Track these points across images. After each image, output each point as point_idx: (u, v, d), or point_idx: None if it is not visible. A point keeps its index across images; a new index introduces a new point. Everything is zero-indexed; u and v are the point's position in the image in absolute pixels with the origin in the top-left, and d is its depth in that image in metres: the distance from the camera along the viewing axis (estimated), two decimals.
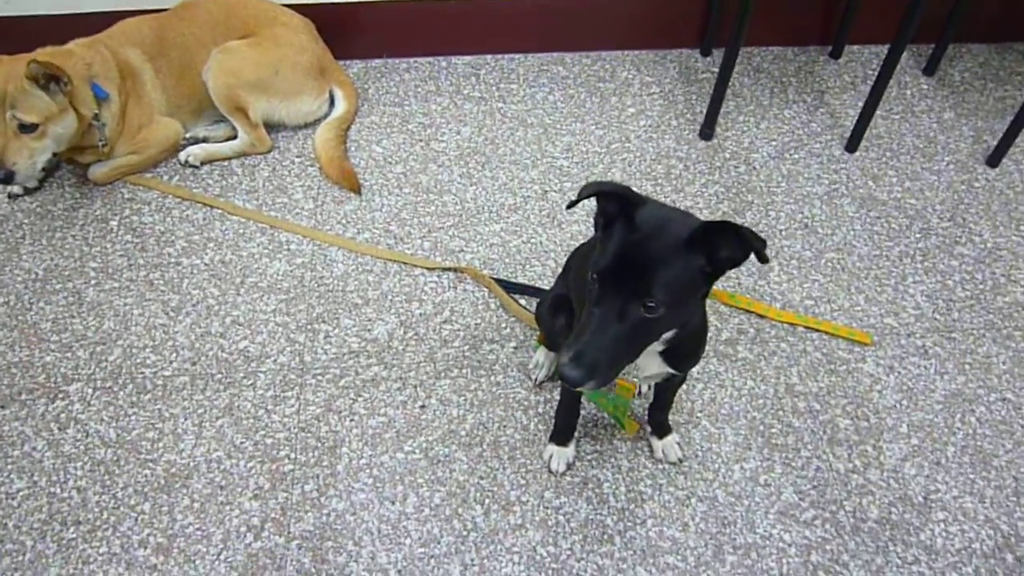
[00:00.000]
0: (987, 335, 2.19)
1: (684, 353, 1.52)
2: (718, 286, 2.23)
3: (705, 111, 2.62)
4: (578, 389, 1.28)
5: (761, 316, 2.19)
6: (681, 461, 1.91)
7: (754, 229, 1.22)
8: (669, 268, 1.21)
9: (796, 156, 2.62)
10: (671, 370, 1.53)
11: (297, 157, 2.57)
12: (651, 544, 1.79)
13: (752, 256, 1.22)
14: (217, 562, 1.74)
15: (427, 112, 2.72)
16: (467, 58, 2.94)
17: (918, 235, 2.42)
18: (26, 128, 2.20)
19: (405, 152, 2.59)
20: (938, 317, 2.23)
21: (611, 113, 2.74)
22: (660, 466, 1.91)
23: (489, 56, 2.95)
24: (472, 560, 1.75)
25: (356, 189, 2.46)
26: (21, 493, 1.84)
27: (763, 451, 1.94)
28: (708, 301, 2.20)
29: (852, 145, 2.63)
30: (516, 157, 2.59)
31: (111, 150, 2.40)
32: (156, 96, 2.45)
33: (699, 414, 2.00)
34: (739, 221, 2.39)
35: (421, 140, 2.63)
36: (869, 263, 2.34)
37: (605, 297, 1.23)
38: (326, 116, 2.63)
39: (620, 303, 1.22)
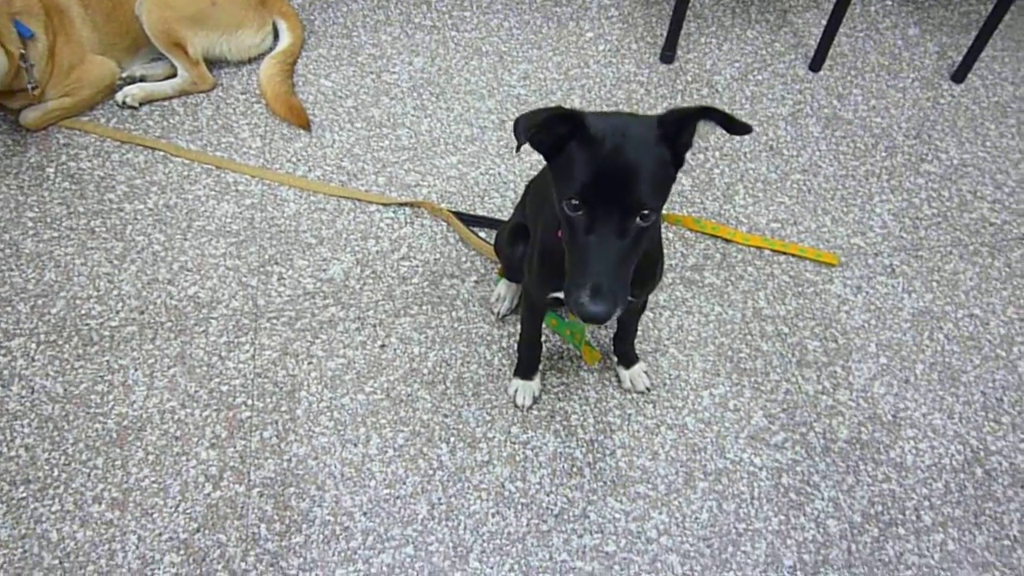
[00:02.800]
0: (954, 252, 2.17)
1: (642, 277, 1.46)
2: (684, 212, 2.18)
3: (666, 33, 2.53)
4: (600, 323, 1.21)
5: (728, 240, 2.14)
6: (649, 390, 1.87)
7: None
8: (650, 170, 1.15)
9: (759, 77, 2.55)
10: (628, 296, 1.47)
11: (242, 94, 2.45)
12: (621, 474, 1.76)
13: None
14: (176, 514, 1.69)
15: (377, 43, 2.61)
16: None
17: (884, 153, 2.38)
18: None
19: (355, 85, 2.48)
20: (905, 235, 2.19)
21: (568, 38, 2.64)
22: (628, 396, 1.87)
23: None
24: (439, 499, 1.71)
25: (305, 125, 2.36)
26: None
27: (732, 376, 1.91)
28: (674, 227, 2.15)
29: (816, 64, 2.57)
30: (472, 87, 2.49)
31: (42, 93, 2.26)
32: (87, 33, 2.30)
33: (666, 342, 1.96)
34: (703, 145, 2.33)
35: (372, 72, 2.52)
36: (835, 183, 2.29)
37: (598, 219, 1.16)
38: (270, 50, 2.50)
39: (616, 220, 1.15)
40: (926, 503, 1.75)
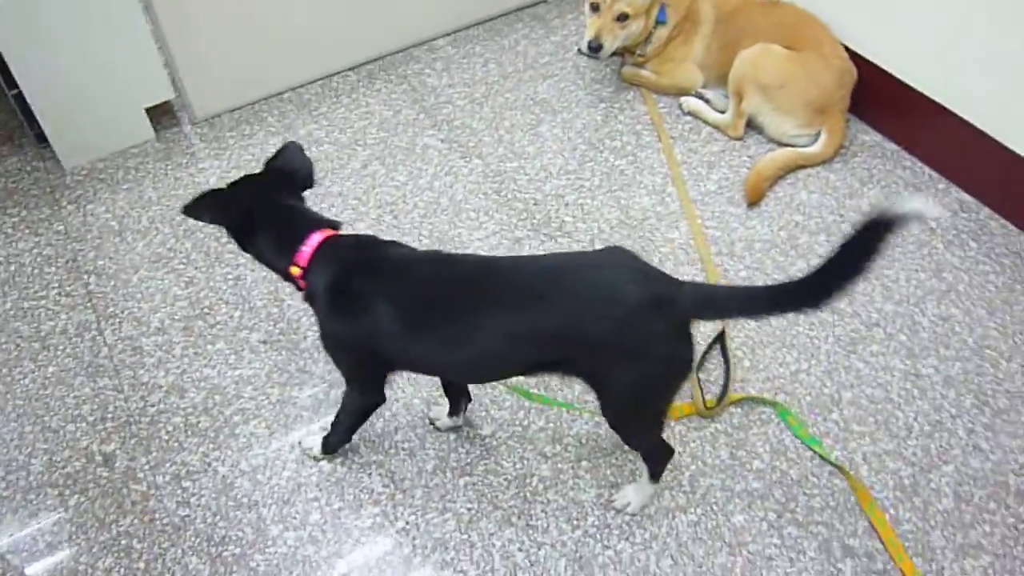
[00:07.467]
0: None
1: None
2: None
3: None
4: None
5: (884, 544, 1.88)
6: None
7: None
8: None
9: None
10: None
11: (748, 157, 2.85)
12: None
13: None
14: None
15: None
16: None
17: None
18: (621, 17, 2.92)
19: (820, 220, 2.66)
20: None
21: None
22: None
23: None
24: None
25: (752, 203, 2.66)
26: None
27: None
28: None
29: None
30: None
31: (645, 61, 3.04)
32: (698, 48, 2.95)
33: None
34: None
35: (836, 214, 2.66)
36: None
37: None
38: (804, 146, 2.80)
39: None
40: None
